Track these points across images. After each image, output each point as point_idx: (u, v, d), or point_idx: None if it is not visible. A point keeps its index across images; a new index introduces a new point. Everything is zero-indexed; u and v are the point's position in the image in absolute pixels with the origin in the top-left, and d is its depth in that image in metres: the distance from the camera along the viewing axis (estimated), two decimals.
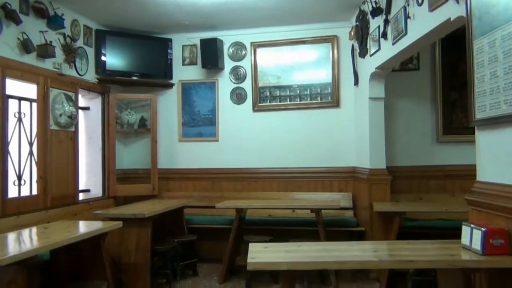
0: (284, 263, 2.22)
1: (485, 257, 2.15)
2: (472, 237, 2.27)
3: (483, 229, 2.18)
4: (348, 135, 5.48)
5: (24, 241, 3.00)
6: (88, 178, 5.39)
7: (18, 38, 4.06)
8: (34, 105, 4.35)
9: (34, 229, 3.40)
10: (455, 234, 2.45)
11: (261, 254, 2.41)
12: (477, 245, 2.21)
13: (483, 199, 2.34)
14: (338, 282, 4.53)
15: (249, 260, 2.25)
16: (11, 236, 3.08)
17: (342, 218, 5.15)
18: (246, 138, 5.77)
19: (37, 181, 4.32)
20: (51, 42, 4.40)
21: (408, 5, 3.49)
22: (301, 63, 5.67)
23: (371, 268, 4.36)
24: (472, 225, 2.30)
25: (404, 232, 4.29)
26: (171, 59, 5.85)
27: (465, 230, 2.35)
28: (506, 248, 2.14)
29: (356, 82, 5.27)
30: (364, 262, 2.31)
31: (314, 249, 2.54)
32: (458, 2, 2.68)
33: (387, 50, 4.06)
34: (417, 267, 3.17)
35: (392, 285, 4.34)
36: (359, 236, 4.94)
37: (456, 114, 5.27)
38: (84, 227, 3.49)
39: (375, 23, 4.34)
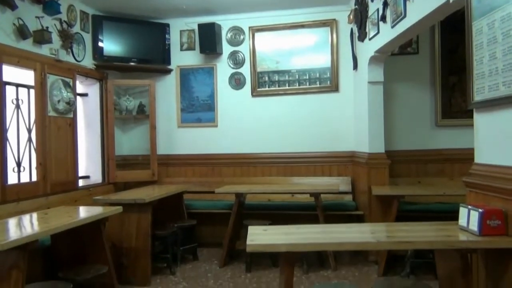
0: (283, 244, 2.24)
1: (482, 238, 2.17)
2: (469, 218, 2.29)
3: (480, 210, 2.20)
4: (347, 120, 5.48)
5: (24, 226, 3.02)
6: (88, 164, 5.40)
7: (14, 24, 4.03)
8: (32, 91, 4.33)
9: (34, 215, 3.42)
10: (453, 217, 2.46)
11: (261, 236, 2.42)
12: (474, 226, 2.23)
13: (480, 181, 2.35)
14: (337, 265, 4.57)
15: (248, 242, 2.27)
16: (12, 222, 3.10)
17: (341, 202, 5.18)
18: (245, 124, 5.77)
19: (37, 168, 4.33)
20: (47, 27, 4.36)
21: None
22: (300, 48, 5.64)
23: (370, 249, 4.40)
24: (469, 207, 2.31)
25: (403, 215, 4.32)
26: (169, 44, 5.81)
27: (463, 211, 2.37)
28: (502, 228, 2.16)
29: (355, 66, 5.25)
30: (362, 244, 2.33)
31: (313, 231, 2.56)
32: None
33: (386, 34, 4.03)
34: (414, 248, 3.21)
35: (390, 267, 4.39)
36: (358, 220, 4.97)
37: (455, 98, 5.26)
38: (84, 212, 3.51)
39: (374, 6, 4.31)
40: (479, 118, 2.45)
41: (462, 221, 2.35)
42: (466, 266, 2.35)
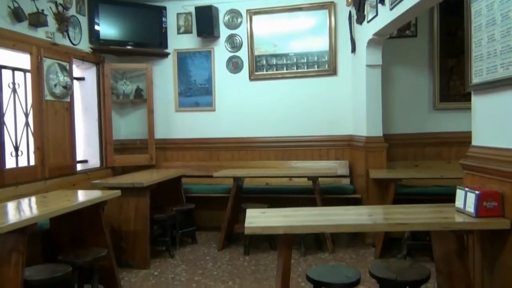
0: (281, 227, 2.26)
1: (478, 219, 2.19)
2: (466, 200, 2.31)
3: (477, 192, 2.21)
4: (345, 103, 5.47)
5: (23, 209, 3.03)
6: (86, 149, 5.40)
7: (9, 6, 3.98)
8: (28, 75, 4.30)
9: (33, 198, 3.43)
10: (451, 200, 2.48)
11: (259, 219, 2.44)
12: (470, 208, 2.25)
13: (477, 163, 2.36)
14: (334, 247, 4.62)
15: (246, 224, 2.29)
16: (11, 205, 3.11)
17: (339, 186, 5.20)
18: (243, 108, 5.75)
19: (34, 152, 4.32)
20: (42, 10, 4.31)
21: None
22: (297, 31, 5.60)
23: (367, 231, 4.44)
24: (466, 189, 2.33)
25: (400, 198, 4.34)
26: (166, 27, 5.76)
27: (459, 193, 2.38)
28: (498, 210, 2.18)
29: (353, 50, 5.22)
30: (359, 225, 2.35)
31: (311, 214, 2.58)
32: None
33: (385, 16, 4.00)
34: (411, 229, 3.25)
35: (387, 250, 4.43)
36: (356, 203, 5.00)
37: (453, 81, 5.25)
38: (83, 196, 3.52)
39: None
40: (477, 101, 2.45)
41: (459, 203, 2.37)
42: (462, 248, 2.38)
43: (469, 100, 2.54)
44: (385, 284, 2.55)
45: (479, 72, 2.35)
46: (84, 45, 5.18)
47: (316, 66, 5.59)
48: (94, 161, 5.41)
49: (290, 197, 5.13)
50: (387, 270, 2.50)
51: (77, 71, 5.25)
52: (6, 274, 2.52)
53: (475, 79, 2.39)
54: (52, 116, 4.51)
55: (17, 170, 4.12)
